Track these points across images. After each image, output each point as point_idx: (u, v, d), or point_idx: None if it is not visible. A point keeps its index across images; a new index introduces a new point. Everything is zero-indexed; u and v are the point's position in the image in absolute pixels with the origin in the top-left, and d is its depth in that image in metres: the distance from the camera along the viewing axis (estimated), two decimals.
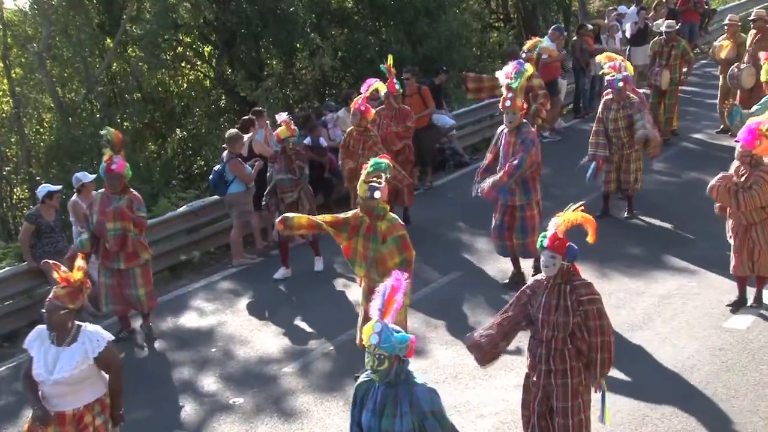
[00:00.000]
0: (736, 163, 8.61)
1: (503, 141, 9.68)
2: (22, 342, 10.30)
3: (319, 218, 7.77)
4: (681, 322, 8.91)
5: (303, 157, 11.18)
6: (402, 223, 7.92)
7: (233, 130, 12.02)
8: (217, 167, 11.94)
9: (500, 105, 9.62)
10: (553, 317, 6.06)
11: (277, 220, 7.72)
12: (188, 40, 20.51)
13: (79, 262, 6.29)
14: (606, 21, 18.34)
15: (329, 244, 10.34)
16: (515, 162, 9.42)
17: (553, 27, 17.00)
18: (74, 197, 10.78)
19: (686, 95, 17.01)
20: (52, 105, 18.91)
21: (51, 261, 6.57)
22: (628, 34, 18.13)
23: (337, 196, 13.20)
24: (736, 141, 8.63)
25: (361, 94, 11.54)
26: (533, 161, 9.52)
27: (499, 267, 10.63)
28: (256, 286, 11.02)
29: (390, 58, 12.34)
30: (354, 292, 10.54)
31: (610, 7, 19.33)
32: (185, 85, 21.10)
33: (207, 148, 18.70)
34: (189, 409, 8.29)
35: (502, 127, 9.74)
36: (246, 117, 12.77)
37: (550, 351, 6.13)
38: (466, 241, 11.82)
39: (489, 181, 9.63)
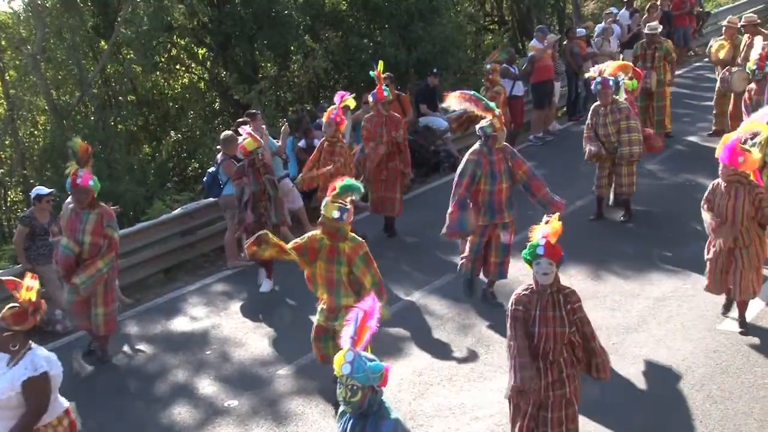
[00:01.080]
0: (716, 182, 8.30)
1: (491, 161, 9.36)
2: None
3: (286, 245, 7.52)
4: (676, 324, 8.92)
5: (271, 170, 10.89)
6: (363, 241, 7.61)
7: (228, 132, 12.01)
8: (211, 169, 11.93)
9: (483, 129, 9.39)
10: (551, 329, 6.02)
11: (248, 241, 7.50)
12: (182, 42, 20.50)
13: (29, 281, 5.87)
14: (602, 24, 18.35)
15: None
16: (536, 179, 9.45)
17: (537, 29, 17.10)
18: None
19: (680, 97, 17.04)
20: (46, 107, 18.88)
21: (12, 278, 6.07)
22: (617, 39, 18.14)
23: None
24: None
25: (335, 104, 11.30)
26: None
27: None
28: (251, 288, 11.00)
29: (381, 64, 12.14)
30: None
31: (606, 11, 19.34)
32: (179, 88, 21.08)
33: (201, 150, 18.70)
34: (184, 412, 8.27)
35: (475, 149, 9.47)
36: (241, 119, 12.77)
37: (547, 363, 6.09)
38: (460, 242, 11.80)
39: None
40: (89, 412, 8.52)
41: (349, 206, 7.33)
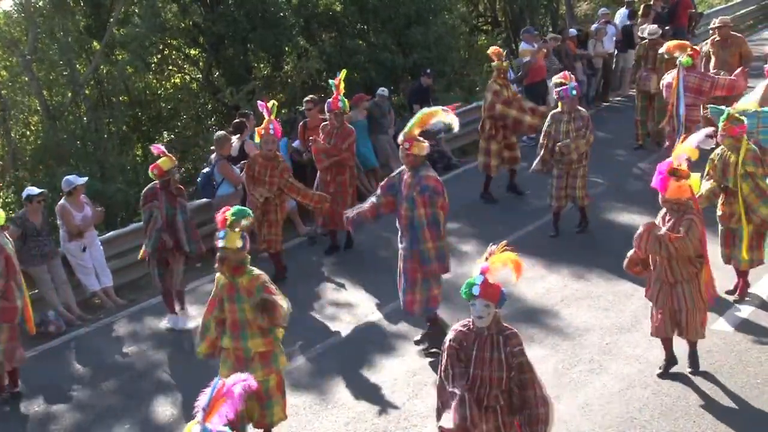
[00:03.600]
0: (663, 211, 7.67)
1: (403, 181, 8.55)
2: None
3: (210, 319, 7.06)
4: None
5: (184, 193, 10.12)
6: (261, 273, 6.97)
7: (221, 132, 12.01)
8: (205, 170, 11.92)
9: (399, 141, 8.62)
10: (487, 372, 5.52)
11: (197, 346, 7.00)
12: (175, 43, 20.47)
13: None
14: (596, 24, 18.38)
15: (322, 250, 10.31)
16: (429, 222, 8.32)
17: (523, 30, 17.12)
18: (62, 201, 10.75)
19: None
20: (38, 108, 18.82)
21: None
22: (611, 39, 18.16)
23: None
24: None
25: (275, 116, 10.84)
26: (444, 207, 8.47)
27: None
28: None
29: (343, 73, 11.62)
30: (346, 295, 10.55)
31: (601, 11, 19.36)
32: (172, 89, 21.04)
33: (194, 150, 18.66)
34: (177, 412, 8.25)
35: (403, 167, 8.66)
36: (237, 120, 12.78)
37: (481, 410, 5.55)
38: (454, 243, 11.81)
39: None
40: (84, 411, 8.52)
41: (246, 235, 6.82)
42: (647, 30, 15.21)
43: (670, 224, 7.41)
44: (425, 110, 8.56)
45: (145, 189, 9.96)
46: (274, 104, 10.75)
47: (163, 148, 9.88)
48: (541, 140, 11.50)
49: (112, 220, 13.88)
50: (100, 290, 11.02)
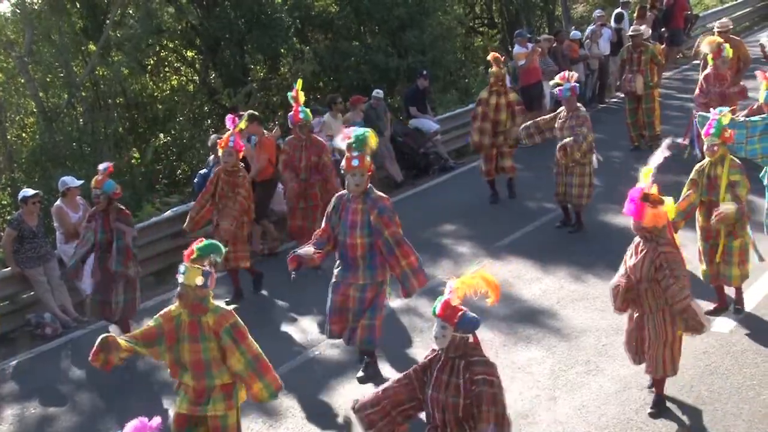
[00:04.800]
0: (636, 240, 7.15)
1: (347, 209, 7.90)
2: (5, 347, 10.30)
3: (133, 338, 6.33)
4: None
5: (128, 218, 9.49)
6: (231, 310, 6.43)
7: (215, 136, 11.99)
8: (202, 171, 11.92)
9: (344, 166, 7.78)
10: (442, 396, 5.34)
11: (94, 350, 6.15)
12: (171, 45, 20.47)
13: None
14: (592, 26, 18.40)
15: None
16: (399, 240, 7.82)
17: (515, 33, 17.15)
18: (58, 202, 10.75)
19: (667, 100, 17.10)
20: (34, 110, 18.82)
21: None
22: (607, 41, 18.18)
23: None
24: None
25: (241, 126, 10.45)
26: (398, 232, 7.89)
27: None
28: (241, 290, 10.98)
29: (299, 83, 11.10)
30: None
31: (596, 13, 19.41)
32: (168, 91, 21.04)
33: (190, 153, 18.67)
34: (173, 414, 8.24)
35: (343, 192, 8.08)
36: None
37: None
38: (450, 245, 11.84)
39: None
40: (80, 413, 8.51)
41: (211, 270, 6.22)
42: (631, 29, 15.22)
43: (644, 254, 6.89)
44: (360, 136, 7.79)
45: (90, 210, 9.67)
46: (241, 123, 10.38)
47: (109, 165, 9.49)
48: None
49: None
50: None
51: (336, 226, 7.95)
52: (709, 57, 12.18)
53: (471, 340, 5.45)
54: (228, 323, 6.21)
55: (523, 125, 11.82)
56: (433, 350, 5.52)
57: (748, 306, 9.03)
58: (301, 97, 10.95)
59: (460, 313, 5.34)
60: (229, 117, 10.33)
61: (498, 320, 9.38)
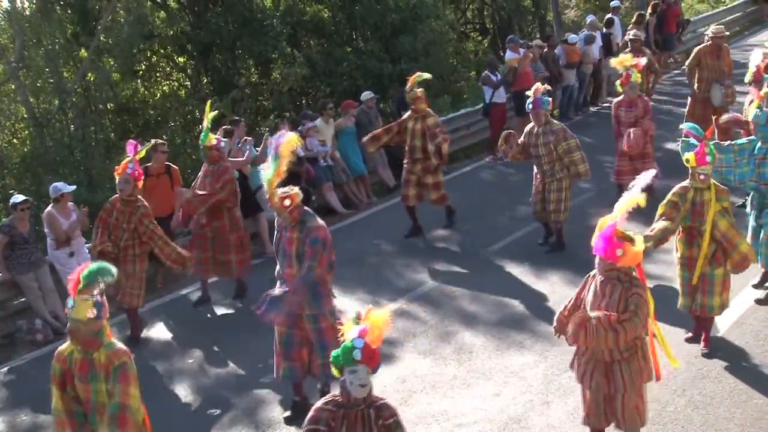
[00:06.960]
0: (591, 274, 6.66)
1: (284, 239, 7.54)
2: None
3: (63, 411, 5.95)
4: None
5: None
6: (126, 349, 5.81)
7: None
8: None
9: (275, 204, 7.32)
10: None
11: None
12: (163, 50, 20.46)
13: None
14: (585, 31, 18.44)
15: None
16: (304, 275, 7.30)
17: (507, 39, 17.17)
18: (49, 208, 10.70)
19: (658, 105, 17.14)
20: (25, 115, 18.78)
21: None
22: (598, 48, 18.23)
23: (313, 207, 13.15)
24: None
25: (141, 152, 9.76)
26: (325, 265, 7.44)
27: (475, 276, 10.66)
28: (232, 297, 10.95)
29: (208, 105, 10.64)
30: (334, 302, 10.50)
31: (588, 19, 19.46)
32: (160, 96, 21.03)
33: (182, 158, 18.62)
34: (165, 421, 8.21)
35: (280, 220, 7.61)
36: (226, 126, 12.76)
37: None
38: (441, 250, 11.83)
39: (277, 302, 7.27)
40: None
41: (102, 300, 5.66)
42: (631, 33, 15.24)
43: (618, 295, 6.30)
44: (281, 150, 7.28)
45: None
46: (142, 152, 9.73)
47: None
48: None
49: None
50: None
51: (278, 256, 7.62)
52: (618, 84, 11.85)
53: None
54: (118, 361, 5.65)
55: (503, 149, 11.17)
56: (327, 410, 4.97)
57: (740, 309, 9.05)
58: (207, 120, 10.42)
59: (378, 355, 4.92)
60: (130, 143, 9.71)
61: (491, 325, 9.38)
